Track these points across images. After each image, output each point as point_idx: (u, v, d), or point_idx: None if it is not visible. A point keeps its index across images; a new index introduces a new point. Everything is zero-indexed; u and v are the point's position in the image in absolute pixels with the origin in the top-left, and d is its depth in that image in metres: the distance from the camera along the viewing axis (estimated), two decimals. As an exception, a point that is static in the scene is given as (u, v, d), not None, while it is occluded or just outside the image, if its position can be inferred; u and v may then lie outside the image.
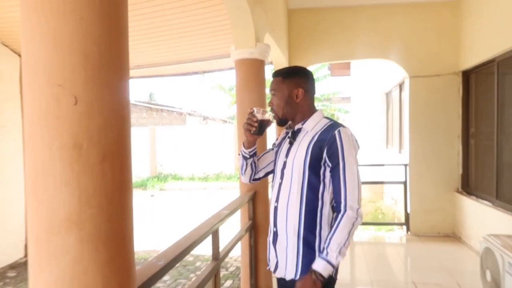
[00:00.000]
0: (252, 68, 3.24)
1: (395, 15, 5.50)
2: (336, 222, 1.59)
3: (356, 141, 1.70)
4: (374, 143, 9.11)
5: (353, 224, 1.57)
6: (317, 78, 17.20)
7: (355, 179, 1.62)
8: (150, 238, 7.00)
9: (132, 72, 6.32)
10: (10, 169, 5.52)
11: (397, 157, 7.17)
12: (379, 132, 9.28)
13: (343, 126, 1.69)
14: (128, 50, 1.04)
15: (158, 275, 1.40)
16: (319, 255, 1.59)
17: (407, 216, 5.60)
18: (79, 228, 0.93)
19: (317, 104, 18.33)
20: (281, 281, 1.81)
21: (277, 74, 1.83)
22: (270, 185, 3.73)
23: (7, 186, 5.46)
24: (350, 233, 1.57)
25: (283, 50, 5.00)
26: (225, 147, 14.90)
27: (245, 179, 1.99)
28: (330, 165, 1.64)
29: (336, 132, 1.65)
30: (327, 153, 1.64)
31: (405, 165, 5.64)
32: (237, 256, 5.11)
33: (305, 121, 1.76)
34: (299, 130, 1.78)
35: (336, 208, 1.64)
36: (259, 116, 1.80)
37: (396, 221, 6.47)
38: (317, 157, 1.66)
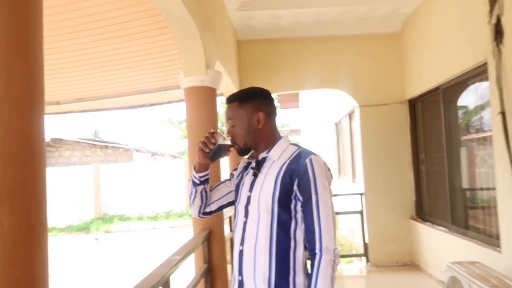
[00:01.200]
0: (203, 96, 3.02)
1: (342, 46, 5.61)
2: (315, 271, 1.36)
3: (329, 170, 1.50)
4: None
5: (332, 268, 1.36)
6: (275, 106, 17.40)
7: (329, 215, 1.41)
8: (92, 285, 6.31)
9: (73, 106, 5.87)
10: None
11: (351, 186, 7.16)
12: (331, 162, 9.34)
13: (314, 154, 1.49)
14: (40, 64, 0.77)
15: None
16: None
17: (365, 246, 5.50)
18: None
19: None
20: None
21: (232, 99, 1.60)
22: (225, 222, 3.43)
23: None
24: (332, 279, 1.36)
25: (234, 81, 4.86)
26: (175, 184, 14.32)
27: (194, 211, 1.70)
28: (301, 199, 1.44)
29: (307, 161, 1.45)
30: (298, 185, 1.43)
31: (361, 194, 5.60)
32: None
33: (270, 149, 1.55)
34: (264, 159, 1.55)
35: (309, 250, 1.41)
36: (219, 140, 1.55)
37: (354, 252, 6.34)
38: (287, 190, 1.44)
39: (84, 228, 13.21)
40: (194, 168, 1.63)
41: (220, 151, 1.57)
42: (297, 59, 5.63)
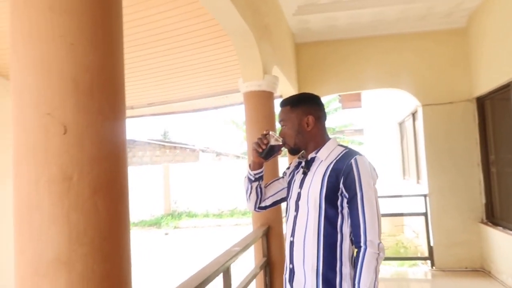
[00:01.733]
0: (260, 100, 3.20)
1: (404, 44, 5.48)
2: (359, 262, 1.47)
3: (374, 169, 1.59)
4: (390, 174, 8.88)
5: (376, 261, 1.46)
6: (328, 112, 17.22)
7: (374, 211, 1.50)
8: (165, 278, 6.81)
9: (144, 110, 6.40)
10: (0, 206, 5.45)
11: (415, 187, 6.93)
12: (395, 163, 9.07)
13: (360, 154, 1.60)
14: (122, 77, 0.99)
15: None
16: None
17: (430, 249, 5.32)
18: (69, 269, 0.84)
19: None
20: None
21: (285, 103, 1.76)
22: (284, 219, 3.60)
23: None
24: (376, 271, 1.46)
25: (293, 83, 4.99)
26: (239, 183, 14.76)
27: (250, 205, 1.88)
28: (347, 195, 1.55)
29: (352, 160, 1.55)
30: (344, 183, 1.54)
31: (425, 196, 5.43)
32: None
33: (319, 150, 1.68)
34: (313, 159, 1.69)
35: (355, 244, 1.53)
36: (271, 141, 1.72)
37: (419, 255, 6.14)
38: (334, 187, 1.56)
39: (156, 223, 14.14)
40: (249, 166, 1.81)
41: (272, 151, 1.73)
42: (356, 59, 5.61)
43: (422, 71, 5.44)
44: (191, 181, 15.00)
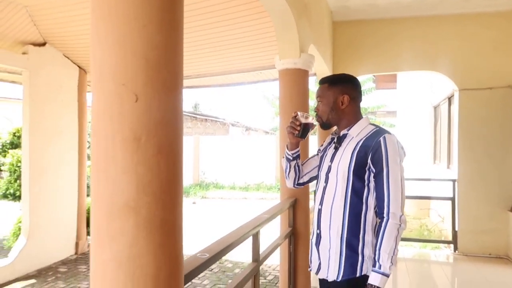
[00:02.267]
0: (295, 78, 3.30)
1: (444, 26, 5.35)
2: (381, 231, 1.60)
3: (402, 148, 1.70)
4: (421, 158, 8.80)
5: (398, 231, 1.58)
6: (362, 92, 16.93)
7: (398, 186, 1.62)
8: (191, 243, 7.18)
9: (180, 82, 6.61)
10: (66, 172, 5.92)
11: (445, 173, 6.89)
12: (426, 147, 8.96)
13: (389, 133, 1.71)
14: (182, 54, 1.15)
15: (202, 267, 1.48)
16: (372, 269, 1.61)
17: (454, 234, 5.35)
18: (135, 213, 1.02)
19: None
20: (323, 281, 1.83)
21: (324, 81, 1.89)
22: (311, 193, 3.74)
23: (62, 188, 5.86)
24: (396, 240, 1.59)
25: (328, 62, 5.02)
26: (266, 158, 15.01)
27: (290, 183, 2.04)
28: (374, 170, 1.67)
29: (381, 138, 1.67)
30: (372, 159, 1.67)
31: (453, 181, 5.42)
32: (276, 265, 5.13)
33: (351, 127, 1.80)
34: (345, 135, 1.81)
35: (379, 214, 1.66)
36: (302, 120, 1.85)
37: (443, 239, 6.18)
38: (362, 162, 1.69)
39: (184, 192, 14.68)
40: (287, 147, 1.97)
41: (306, 129, 1.88)
42: (394, 40, 5.54)
43: (462, 54, 5.32)
44: (220, 154, 15.36)
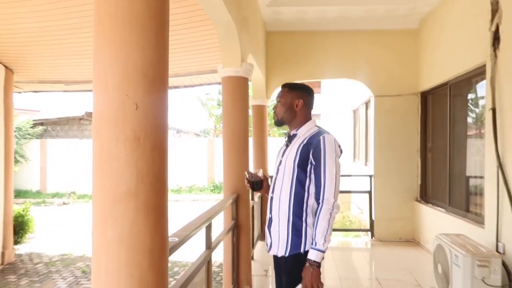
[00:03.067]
0: (237, 85, 3.63)
1: (362, 40, 6.09)
2: (317, 215, 1.98)
3: (339, 146, 2.10)
4: (343, 156, 9.66)
5: (330, 214, 1.97)
6: (314, 101, 17.83)
7: (332, 177, 2.00)
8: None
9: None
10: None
11: (363, 169, 7.72)
12: (347, 146, 9.87)
13: (328, 133, 2.11)
14: (168, 69, 1.41)
15: (174, 248, 1.74)
16: (310, 247, 1.97)
17: (372, 223, 6.10)
18: (136, 199, 1.27)
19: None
20: (275, 257, 2.19)
21: (285, 85, 2.28)
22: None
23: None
24: (329, 222, 1.97)
25: (262, 69, 5.44)
26: (198, 160, 15.14)
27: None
28: (314, 164, 2.05)
29: (321, 137, 2.06)
30: (312, 154, 2.05)
31: (370, 176, 6.17)
32: (219, 262, 5.40)
33: (299, 128, 2.18)
34: (295, 135, 2.19)
35: (316, 200, 2.04)
36: (249, 178, 2.33)
37: (362, 228, 6.95)
38: (305, 157, 2.06)
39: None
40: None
41: (254, 183, 2.35)
42: (319, 50, 6.15)
43: (377, 65, 6.09)
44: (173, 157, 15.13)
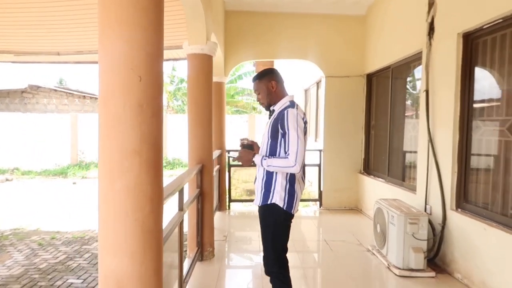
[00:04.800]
0: (202, 62, 3.86)
1: (315, 23, 6.46)
2: (283, 156, 2.41)
3: (302, 118, 2.47)
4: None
5: (288, 165, 2.37)
6: (240, 75, 18.11)
7: (295, 143, 2.38)
8: (80, 221, 7.20)
9: (71, 57, 6.45)
10: None
11: (313, 145, 8.26)
12: (298, 124, 10.37)
13: (293, 107, 2.47)
14: (163, 48, 1.66)
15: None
16: (263, 158, 2.46)
17: (320, 194, 6.66)
18: (140, 155, 1.53)
19: (241, 98, 19.23)
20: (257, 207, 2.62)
21: (255, 78, 2.69)
22: (214, 159, 4.36)
23: None
24: (281, 167, 2.39)
25: (221, 47, 5.65)
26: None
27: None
28: (282, 133, 2.44)
29: (285, 111, 2.45)
30: (280, 125, 2.44)
31: (320, 151, 6.69)
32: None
33: (276, 104, 2.60)
34: (273, 110, 2.61)
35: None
36: (242, 143, 2.75)
37: (311, 198, 7.52)
38: (275, 128, 2.47)
39: (61, 173, 13.82)
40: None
41: (249, 146, 2.74)
42: (275, 31, 6.45)
43: (328, 48, 6.52)
44: (101, 132, 14.76)
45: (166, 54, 6.49)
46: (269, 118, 2.63)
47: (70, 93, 16.36)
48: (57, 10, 4.70)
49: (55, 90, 15.98)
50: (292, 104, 2.52)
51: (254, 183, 2.65)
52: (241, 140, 2.79)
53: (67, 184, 12.39)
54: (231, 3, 6.09)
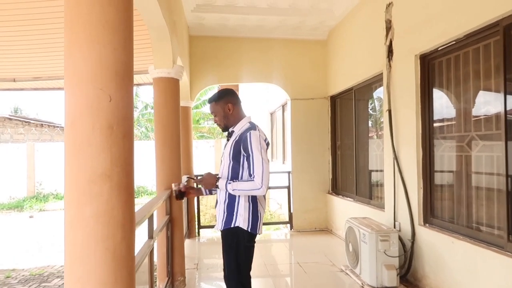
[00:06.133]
0: (169, 86, 3.81)
1: (278, 48, 6.60)
2: (249, 179, 2.38)
3: (265, 140, 2.48)
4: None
5: (254, 187, 2.35)
6: (204, 101, 18.13)
7: (259, 165, 2.38)
8: (38, 257, 6.74)
9: (29, 84, 6.19)
10: None
11: (281, 167, 8.30)
12: (265, 147, 10.42)
13: (255, 130, 2.47)
14: (133, 68, 1.61)
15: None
16: (227, 181, 2.40)
17: (290, 215, 6.64)
18: (110, 179, 1.45)
19: (206, 123, 19.16)
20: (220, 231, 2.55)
21: (211, 100, 2.64)
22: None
23: None
24: (247, 190, 2.37)
25: (187, 72, 5.63)
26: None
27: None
28: (245, 155, 2.41)
29: (247, 134, 2.44)
30: (243, 147, 2.42)
31: (288, 173, 6.71)
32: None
33: (235, 126, 2.56)
34: (233, 131, 2.56)
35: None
36: (175, 189, 2.69)
37: (281, 221, 7.48)
38: (237, 150, 2.45)
39: (17, 206, 13.02)
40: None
41: (180, 194, 2.70)
42: (239, 55, 6.54)
43: (292, 71, 6.66)
44: (60, 162, 14.14)
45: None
46: (227, 139, 2.60)
47: (26, 122, 15.65)
48: (15, 34, 4.53)
49: (10, 119, 15.24)
50: (253, 126, 2.53)
51: (215, 205, 2.59)
52: (174, 186, 2.74)
53: (23, 218, 11.65)
54: (194, 29, 6.13)
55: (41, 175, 13.98)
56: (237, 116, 2.59)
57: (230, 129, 2.58)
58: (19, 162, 13.75)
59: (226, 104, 2.55)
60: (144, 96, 22.29)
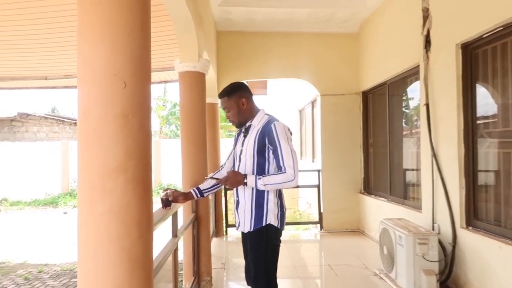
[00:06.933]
0: (195, 80, 3.70)
1: (307, 42, 6.39)
2: (279, 172, 2.22)
3: (289, 129, 2.34)
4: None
5: (288, 179, 2.18)
6: (251, 90, 18.04)
7: (289, 155, 2.24)
8: (70, 252, 6.86)
9: (59, 82, 6.29)
10: None
11: (311, 166, 8.07)
12: (294, 145, 10.21)
13: (277, 120, 2.34)
14: (150, 52, 1.49)
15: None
16: (257, 177, 2.21)
17: (320, 215, 6.42)
18: (125, 173, 1.33)
19: (235, 122, 19.12)
20: (243, 234, 2.41)
21: (222, 95, 2.45)
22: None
23: None
24: (280, 183, 2.20)
25: (214, 68, 5.53)
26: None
27: None
28: (271, 148, 2.27)
29: (272, 125, 2.29)
30: (268, 140, 2.27)
31: (318, 171, 6.49)
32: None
33: (253, 119, 2.40)
34: (250, 126, 2.40)
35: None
36: (163, 197, 2.41)
37: (311, 221, 7.26)
38: (262, 144, 2.29)
39: (52, 202, 13.42)
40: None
41: (165, 201, 2.41)
42: (267, 50, 6.37)
43: (322, 65, 6.44)
44: (93, 160, 14.45)
45: (157, 76, 6.36)
46: (243, 135, 2.43)
47: (60, 120, 16.12)
48: (43, 32, 4.57)
49: (45, 118, 15.74)
50: (274, 118, 2.38)
51: (236, 208, 2.41)
52: (162, 194, 2.48)
53: (58, 214, 12.00)
54: (222, 24, 6.02)
55: (75, 172, 14.31)
56: (252, 110, 2.43)
57: (247, 124, 2.42)
58: (54, 159, 14.17)
59: (240, 99, 2.39)
60: (173, 94, 22.54)
